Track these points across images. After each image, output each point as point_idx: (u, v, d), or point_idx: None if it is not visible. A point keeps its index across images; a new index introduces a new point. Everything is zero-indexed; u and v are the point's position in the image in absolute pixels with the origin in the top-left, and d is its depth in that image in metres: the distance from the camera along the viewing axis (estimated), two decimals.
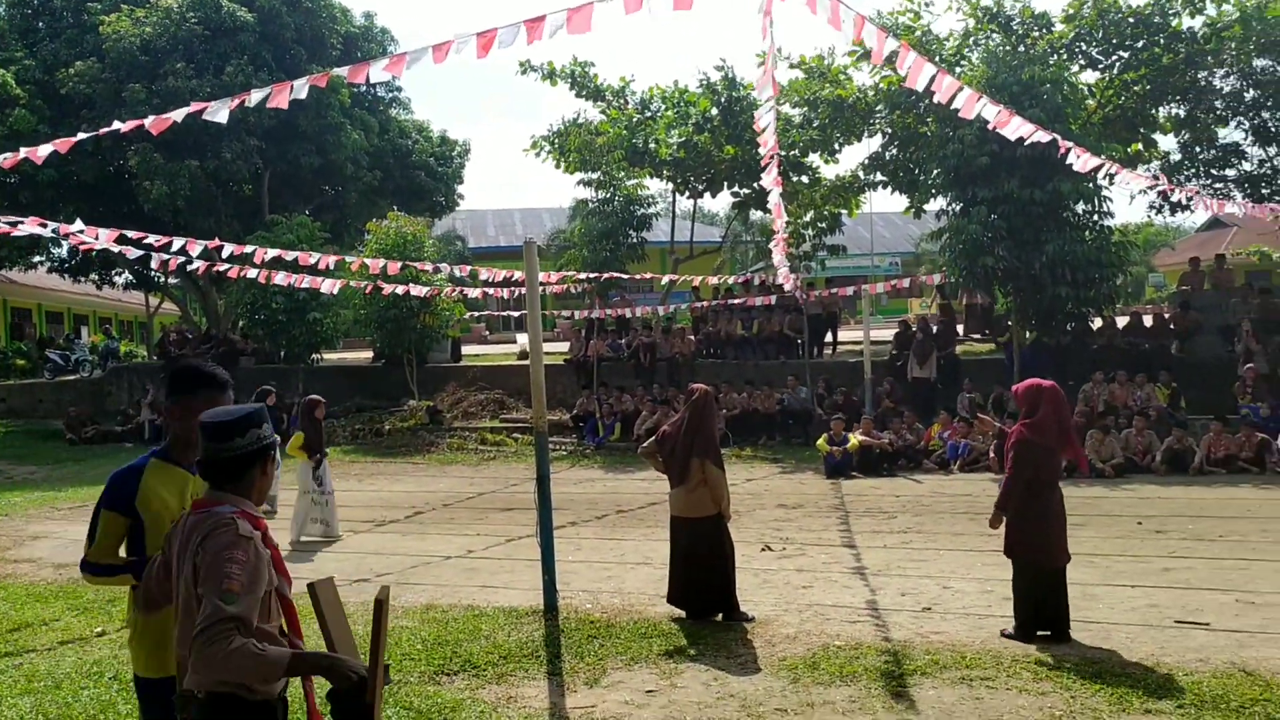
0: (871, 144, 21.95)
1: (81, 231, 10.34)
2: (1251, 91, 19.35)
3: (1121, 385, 15.56)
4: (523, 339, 28.28)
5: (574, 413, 18.96)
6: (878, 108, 20.31)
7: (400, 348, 21.46)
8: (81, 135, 7.95)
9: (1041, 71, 16.38)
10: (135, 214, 23.40)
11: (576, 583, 8.30)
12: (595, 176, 21.70)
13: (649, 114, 23.37)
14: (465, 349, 26.14)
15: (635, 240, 21.72)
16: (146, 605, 3.21)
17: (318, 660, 2.86)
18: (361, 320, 21.88)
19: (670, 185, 24.37)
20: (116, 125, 7.37)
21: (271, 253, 12.77)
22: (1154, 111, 19.85)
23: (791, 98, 20.97)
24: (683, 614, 7.16)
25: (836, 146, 21.69)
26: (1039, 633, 6.41)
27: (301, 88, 6.48)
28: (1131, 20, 18.13)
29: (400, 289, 17.46)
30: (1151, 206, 21.56)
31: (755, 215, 28.69)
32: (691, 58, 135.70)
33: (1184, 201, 19.83)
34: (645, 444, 7.75)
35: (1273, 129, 19.46)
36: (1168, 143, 43.69)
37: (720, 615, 7.09)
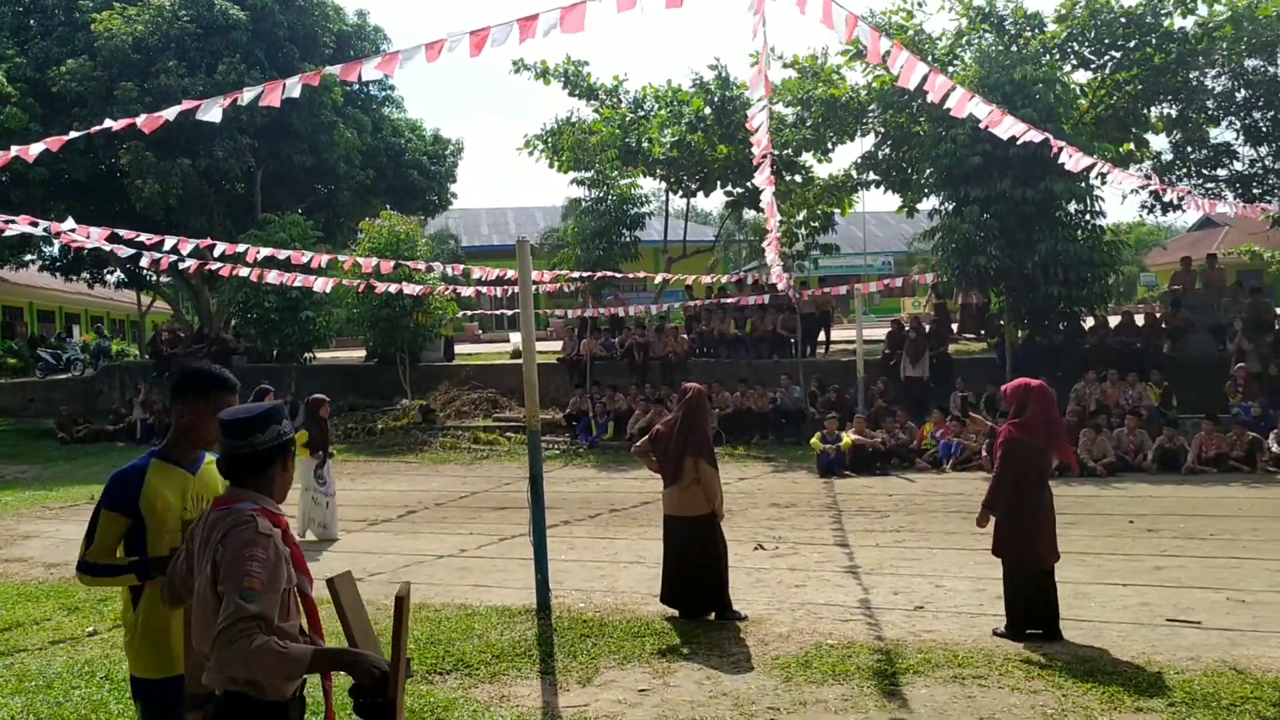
0: (864, 143, 22.00)
1: (73, 230, 10.30)
2: (1243, 91, 19.40)
3: (1113, 384, 15.61)
4: (516, 338, 28.26)
5: (567, 412, 18.95)
6: (870, 107, 20.34)
7: (393, 347, 21.43)
8: (73, 134, 7.92)
9: (1034, 71, 16.42)
10: (127, 212, 23.34)
11: (569, 582, 8.30)
12: (588, 175, 21.69)
13: (642, 113, 23.37)
14: (458, 348, 26.14)
15: (628, 239, 21.72)
16: (172, 600, 3.19)
17: (339, 656, 2.83)
18: (354, 319, 21.84)
19: (663, 184, 24.41)
20: (108, 123, 7.35)
21: (264, 251, 12.75)
22: (1146, 111, 19.90)
23: (785, 97, 20.98)
24: (675, 613, 7.16)
25: (829, 146, 21.70)
26: (1030, 631, 6.43)
27: (294, 86, 6.47)
28: (1123, 20, 18.17)
29: (393, 288, 17.43)
30: (1143, 206, 21.64)
31: (748, 214, 28.70)
32: (685, 57, 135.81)
33: (1175, 201, 19.91)
34: (638, 443, 7.75)
35: (1264, 129, 19.51)
36: (1159, 142, 43.84)
37: (713, 614, 7.09)
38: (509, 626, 7.04)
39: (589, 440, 17.99)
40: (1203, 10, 17.97)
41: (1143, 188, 15.77)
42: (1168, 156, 21.29)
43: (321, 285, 15.58)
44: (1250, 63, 18.91)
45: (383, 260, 16.27)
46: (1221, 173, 20.68)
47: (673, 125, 21.96)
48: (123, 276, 30.38)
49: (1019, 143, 8.03)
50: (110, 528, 3.42)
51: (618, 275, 21.15)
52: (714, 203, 70.72)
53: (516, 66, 22.75)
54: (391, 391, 21.59)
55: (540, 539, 7.39)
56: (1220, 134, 20.74)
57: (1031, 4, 28.16)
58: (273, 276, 14.10)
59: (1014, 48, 18.31)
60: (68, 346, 30.69)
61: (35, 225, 9.82)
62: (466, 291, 22.01)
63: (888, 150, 21.62)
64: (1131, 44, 18.45)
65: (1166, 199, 20.01)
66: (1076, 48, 18.92)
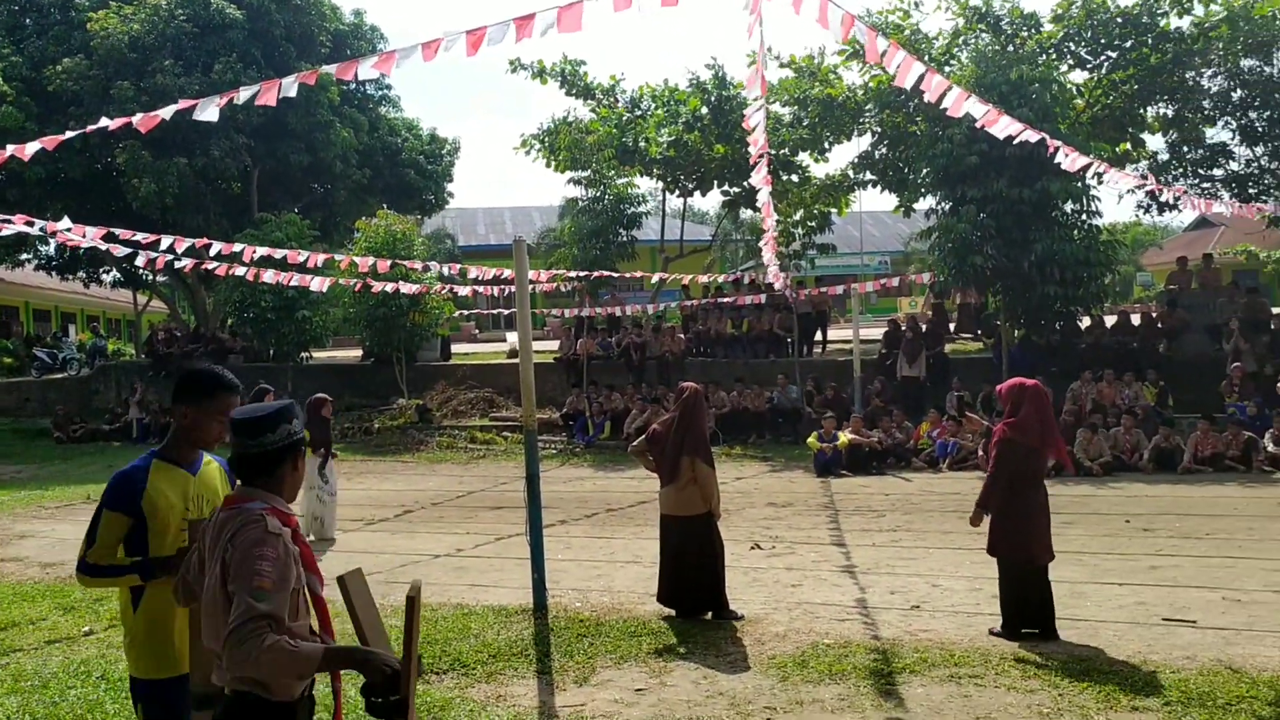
0: (861, 143, 21.99)
1: (69, 229, 10.29)
2: (1239, 91, 19.42)
3: (1109, 384, 15.63)
4: (512, 337, 28.28)
5: (564, 411, 18.96)
6: (867, 107, 20.33)
7: (390, 346, 21.42)
8: (69, 133, 7.90)
9: (1030, 71, 16.44)
10: (123, 212, 23.32)
11: (566, 581, 8.30)
12: (585, 175, 21.72)
13: (639, 112, 23.35)
14: (455, 347, 26.12)
15: (625, 239, 21.73)
16: (186, 598, 3.18)
17: (351, 655, 2.82)
18: (351, 318, 21.83)
19: (660, 184, 24.39)
20: (104, 122, 7.32)
21: (260, 251, 12.74)
22: (1142, 111, 19.92)
23: (781, 96, 20.98)
24: (672, 612, 7.17)
25: (826, 145, 21.69)
26: (1026, 630, 6.43)
27: (290, 85, 6.46)
28: (1120, 20, 18.19)
29: (390, 287, 17.43)
30: (1139, 206, 21.63)
31: (745, 214, 28.73)
32: (682, 56, 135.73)
33: (1171, 201, 19.91)
34: (635, 442, 7.75)
35: (1260, 129, 19.52)
36: (1155, 142, 43.64)
37: (710, 614, 7.09)
38: (505, 626, 7.04)
39: (586, 440, 17.99)
40: (1199, 10, 17.98)
41: (1139, 187, 15.77)
42: (1164, 156, 21.30)
43: (318, 285, 15.57)
44: (1246, 63, 18.92)
45: (379, 260, 16.26)
46: (1217, 172, 20.70)
47: (669, 125, 21.95)
48: (119, 276, 30.34)
49: (1015, 142, 8.04)
50: (112, 528, 3.41)
51: (614, 275, 21.15)
52: (711, 202, 70.49)
53: (513, 66, 22.75)
54: (388, 391, 21.58)
55: (537, 538, 7.39)
56: (1216, 134, 20.78)
57: (1028, 4, 28.23)
58: (269, 276, 14.10)
59: (1010, 47, 18.32)
60: (64, 346, 30.62)
61: (31, 224, 9.80)
62: (463, 291, 22.01)
63: (884, 150, 21.61)
64: (1128, 44, 18.47)
65: (1163, 199, 20.01)
66: (1073, 47, 18.94)
